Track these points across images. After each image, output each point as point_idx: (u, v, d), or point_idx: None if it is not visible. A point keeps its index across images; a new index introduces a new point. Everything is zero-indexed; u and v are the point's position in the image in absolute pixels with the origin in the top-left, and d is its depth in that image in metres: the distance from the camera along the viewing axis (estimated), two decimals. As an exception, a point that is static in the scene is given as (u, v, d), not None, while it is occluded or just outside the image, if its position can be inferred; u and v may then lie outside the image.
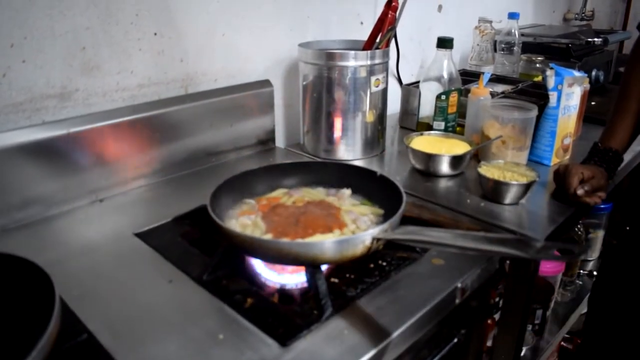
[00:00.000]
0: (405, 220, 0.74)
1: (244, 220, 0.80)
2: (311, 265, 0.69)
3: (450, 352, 0.83)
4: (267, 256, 0.71)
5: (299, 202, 0.85)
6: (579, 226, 1.61)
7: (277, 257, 0.69)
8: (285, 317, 0.66)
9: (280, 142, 1.34)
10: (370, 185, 0.88)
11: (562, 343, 1.69)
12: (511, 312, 1.01)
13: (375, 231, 0.68)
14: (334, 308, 0.67)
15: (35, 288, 0.60)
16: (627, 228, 1.18)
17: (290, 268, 0.76)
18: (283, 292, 0.74)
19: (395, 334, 0.64)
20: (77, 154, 0.94)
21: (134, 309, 0.69)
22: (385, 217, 0.81)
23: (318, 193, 0.89)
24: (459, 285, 0.75)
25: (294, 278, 0.76)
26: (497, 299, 0.98)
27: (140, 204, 0.99)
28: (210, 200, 0.76)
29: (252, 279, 0.76)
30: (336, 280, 0.74)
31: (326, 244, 0.67)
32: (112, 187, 1.00)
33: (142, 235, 0.86)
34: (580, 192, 0.97)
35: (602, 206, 1.76)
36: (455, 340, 0.84)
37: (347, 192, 0.88)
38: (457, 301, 0.76)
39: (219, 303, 0.70)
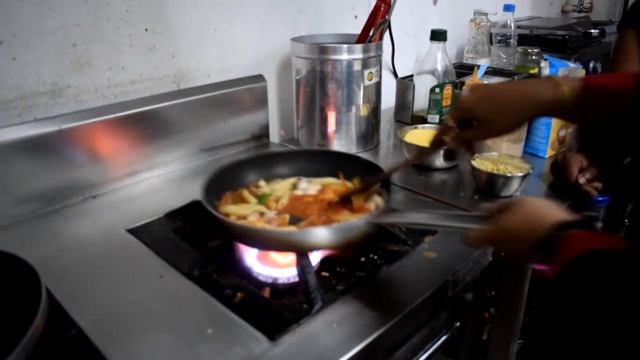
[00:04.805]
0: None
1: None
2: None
3: (443, 345, 0.83)
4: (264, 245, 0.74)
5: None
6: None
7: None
8: (274, 311, 0.66)
9: (274, 137, 1.33)
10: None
11: (561, 336, 1.69)
12: (507, 305, 1.01)
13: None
14: (324, 302, 0.67)
15: (22, 284, 0.60)
16: (626, 222, 1.17)
17: (282, 262, 0.76)
18: (274, 287, 0.74)
19: (385, 327, 0.64)
20: (69, 150, 0.93)
21: (124, 304, 0.69)
22: None
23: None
24: (451, 278, 0.74)
25: (285, 272, 0.76)
26: (493, 292, 0.97)
27: (132, 200, 0.98)
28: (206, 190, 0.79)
29: (243, 273, 0.76)
30: (327, 274, 0.74)
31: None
32: (105, 183, 1.00)
33: (134, 231, 0.86)
34: (582, 180, 0.97)
35: (599, 198, 1.75)
36: (449, 333, 0.84)
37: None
38: (450, 294, 0.76)
39: (209, 298, 0.69)
